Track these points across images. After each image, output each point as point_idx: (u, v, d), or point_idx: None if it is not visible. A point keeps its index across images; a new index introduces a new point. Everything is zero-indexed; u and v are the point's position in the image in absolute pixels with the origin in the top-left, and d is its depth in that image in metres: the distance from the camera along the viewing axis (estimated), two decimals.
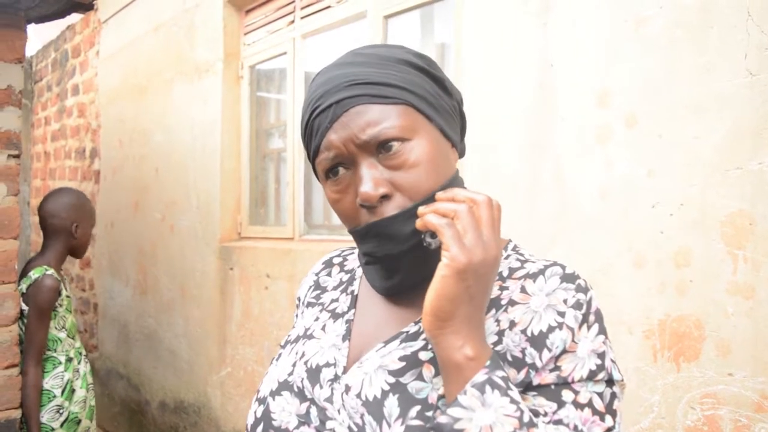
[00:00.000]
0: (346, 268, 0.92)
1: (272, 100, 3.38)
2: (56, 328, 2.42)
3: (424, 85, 0.76)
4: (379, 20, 2.47)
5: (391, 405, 0.69)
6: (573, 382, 0.67)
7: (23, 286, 2.38)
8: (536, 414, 0.66)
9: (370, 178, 0.71)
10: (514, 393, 0.63)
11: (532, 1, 1.80)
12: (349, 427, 0.71)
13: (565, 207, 1.71)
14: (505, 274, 0.77)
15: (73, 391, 2.44)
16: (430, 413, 0.67)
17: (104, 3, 4.31)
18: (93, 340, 4.63)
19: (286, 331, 2.70)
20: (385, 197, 0.71)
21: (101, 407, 4.37)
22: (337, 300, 0.87)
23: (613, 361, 0.70)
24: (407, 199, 0.71)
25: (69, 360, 2.45)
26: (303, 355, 0.81)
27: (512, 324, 0.71)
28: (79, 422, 2.46)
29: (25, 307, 2.35)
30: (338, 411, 0.73)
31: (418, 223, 0.68)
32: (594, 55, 1.66)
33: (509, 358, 0.69)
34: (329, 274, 0.93)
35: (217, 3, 3.24)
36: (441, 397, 0.68)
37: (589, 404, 0.67)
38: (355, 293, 0.86)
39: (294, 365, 0.80)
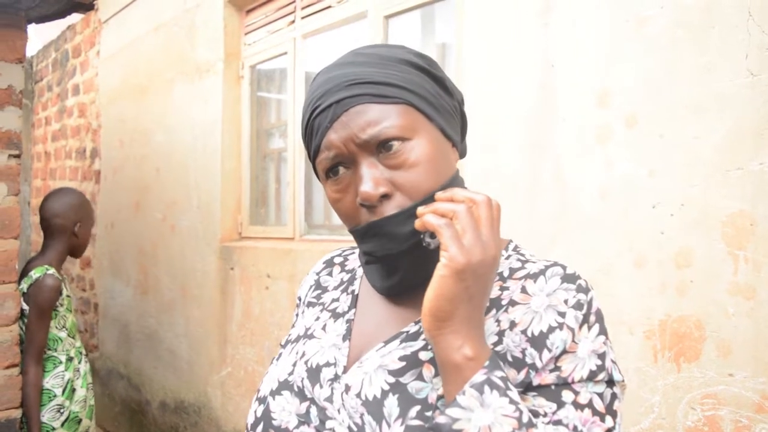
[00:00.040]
0: (347, 268, 0.92)
1: (273, 100, 3.38)
2: (57, 327, 2.42)
3: (424, 84, 0.76)
4: (380, 20, 2.47)
5: (391, 405, 0.68)
6: (573, 382, 0.67)
7: (24, 286, 2.38)
8: (536, 414, 0.66)
9: (370, 178, 0.71)
10: (513, 393, 0.63)
11: (533, 1, 1.80)
12: (349, 427, 0.71)
13: (565, 207, 1.71)
14: (506, 274, 0.77)
15: (73, 390, 2.45)
16: (429, 413, 0.67)
17: (105, 3, 4.32)
18: (94, 340, 4.63)
19: (286, 331, 2.70)
20: (385, 196, 0.71)
21: (102, 407, 4.38)
22: (337, 300, 0.87)
23: (613, 362, 0.70)
24: (407, 198, 0.71)
25: (69, 359, 2.46)
26: (303, 354, 0.81)
27: (512, 324, 0.71)
28: (79, 422, 2.46)
29: (25, 306, 2.36)
30: (338, 411, 0.73)
31: (417, 224, 0.68)
32: (595, 55, 1.65)
33: (509, 359, 0.69)
34: (330, 274, 0.93)
35: (218, 3, 3.24)
36: (440, 397, 0.68)
37: (590, 405, 0.67)
38: (356, 293, 0.86)
39: (294, 365, 0.80)
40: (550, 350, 0.68)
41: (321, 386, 0.76)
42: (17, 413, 2.27)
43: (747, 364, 1.36)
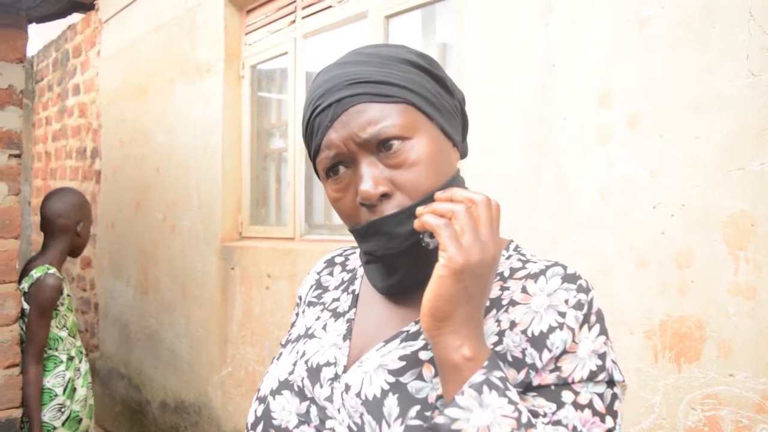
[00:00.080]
0: (347, 268, 0.92)
1: (273, 100, 3.38)
2: (57, 327, 2.42)
3: (425, 84, 0.75)
4: (380, 20, 2.47)
5: (391, 404, 0.68)
6: (573, 382, 0.67)
7: (25, 285, 2.38)
8: (535, 415, 0.66)
9: (370, 177, 0.71)
10: (512, 393, 0.63)
11: (534, 1, 1.80)
12: (349, 427, 0.71)
13: (566, 207, 1.71)
14: (507, 274, 0.77)
15: (74, 389, 2.45)
16: (429, 413, 0.67)
17: (105, 3, 4.32)
18: (94, 339, 4.63)
19: (286, 331, 2.70)
20: (385, 196, 0.71)
21: (102, 407, 4.38)
22: (338, 299, 0.87)
23: (614, 362, 0.70)
24: (407, 197, 0.71)
25: (70, 359, 2.46)
26: (304, 354, 0.81)
27: (513, 324, 0.71)
28: (80, 421, 2.46)
29: (26, 306, 2.36)
30: (338, 410, 0.73)
31: (416, 224, 0.67)
32: (596, 55, 1.65)
33: (509, 359, 0.69)
34: (331, 274, 0.93)
35: (218, 3, 3.24)
36: (440, 397, 0.67)
37: (590, 405, 0.66)
38: (356, 292, 0.86)
39: (295, 364, 0.80)
40: (550, 350, 0.68)
41: (321, 386, 0.76)
42: (18, 413, 2.27)
43: (747, 364, 1.36)
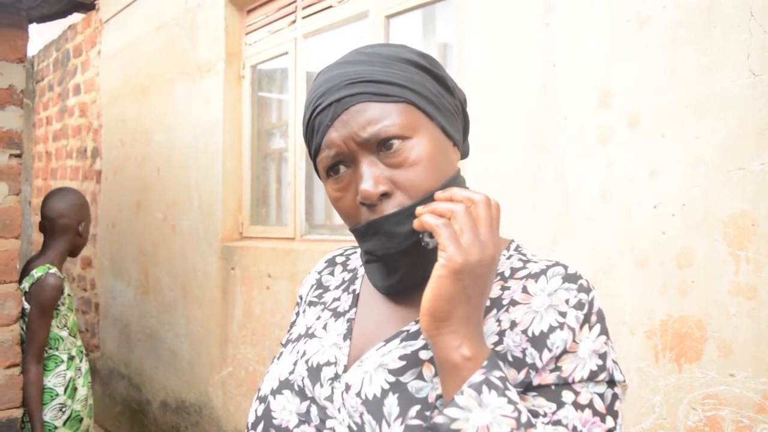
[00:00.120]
0: (348, 267, 0.92)
1: (274, 100, 3.38)
2: (58, 326, 2.42)
3: (425, 83, 0.75)
4: (381, 20, 2.47)
5: (391, 404, 0.68)
6: (573, 382, 0.67)
7: (25, 285, 2.38)
8: (535, 414, 0.66)
9: (371, 176, 0.71)
10: (512, 393, 0.63)
11: (535, 1, 1.80)
12: (349, 426, 0.71)
13: (566, 207, 1.71)
14: (507, 274, 0.76)
15: (75, 389, 2.45)
16: (429, 413, 0.67)
17: (106, 3, 4.32)
18: (94, 339, 4.63)
19: (287, 330, 2.70)
20: (385, 195, 0.71)
21: (103, 407, 4.38)
22: (338, 299, 0.87)
23: (614, 362, 0.70)
24: (407, 197, 0.71)
25: (71, 358, 2.46)
26: (304, 353, 0.81)
27: (513, 324, 0.71)
28: (81, 420, 2.46)
29: (26, 305, 2.36)
30: (338, 410, 0.73)
31: (416, 224, 0.67)
32: (596, 55, 1.65)
33: (510, 359, 0.69)
34: (332, 273, 0.93)
35: (219, 3, 3.24)
36: (440, 396, 0.67)
37: (590, 405, 0.66)
38: (357, 292, 0.86)
39: (295, 364, 0.80)
40: (550, 350, 0.68)
41: (321, 385, 0.76)
42: (18, 413, 2.27)
43: (748, 364, 1.35)
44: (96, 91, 4.55)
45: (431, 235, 0.70)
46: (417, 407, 0.67)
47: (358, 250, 0.94)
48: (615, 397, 0.68)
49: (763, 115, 1.35)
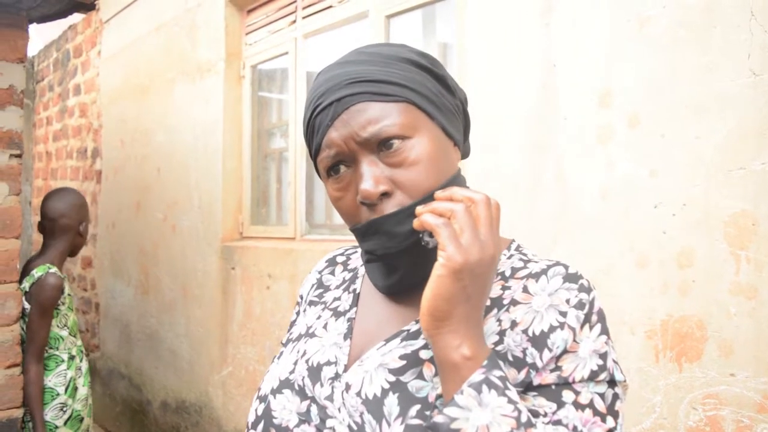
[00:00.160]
0: (349, 267, 0.92)
1: (274, 100, 3.38)
2: (58, 326, 2.43)
3: (426, 83, 0.75)
4: (381, 20, 2.47)
5: (391, 404, 0.68)
6: (574, 382, 0.67)
7: (26, 285, 2.38)
8: (536, 414, 0.66)
9: (371, 176, 0.71)
10: (512, 393, 0.62)
11: (535, 1, 1.80)
12: (349, 426, 0.71)
13: (566, 207, 1.71)
14: (508, 273, 0.76)
15: (75, 389, 2.45)
16: (430, 412, 0.67)
17: (106, 3, 4.32)
18: (95, 339, 4.63)
19: (287, 330, 2.70)
20: (385, 195, 0.71)
21: (103, 407, 4.38)
22: (339, 298, 0.87)
23: (615, 362, 0.70)
24: (407, 196, 0.71)
25: (71, 358, 2.46)
26: (304, 353, 0.81)
27: (514, 324, 0.71)
28: (81, 420, 2.47)
29: (26, 305, 2.36)
30: (338, 409, 0.73)
31: (415, 223, 0.67)
32: (596, 55, 1.65)
33: (510, 358, 0.69)
34: (332, 273, 0.93)
35: (219, 3, 3.24)
36: (439, 396, 0.67)
37: (590, 405, 0.66)
38: (358, 291, 0.86)
39: (295, 363, 0.80)
40: (550, 350, 0.68)
41: (322, 385, 0.76)
42: (19, 413, 2.27)
43: (749, 364, 1.35)
44: (96, 92, 4.55)
45: (431, 235, 0.70)
46: (417, 407, 0.67)
47: (359, 250, 0.94)
48: (616, 396, 0.68)
49: (764, 114, 1.35)
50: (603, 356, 0.68)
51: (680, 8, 1.48)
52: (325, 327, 0.84)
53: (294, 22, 2.96)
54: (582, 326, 0.69)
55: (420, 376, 0.70)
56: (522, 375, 0.68)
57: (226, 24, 3.23)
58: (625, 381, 0.70)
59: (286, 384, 0.79)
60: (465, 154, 0.84)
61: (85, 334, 4.72)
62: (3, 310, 2.25)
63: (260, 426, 0.77)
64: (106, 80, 4.42)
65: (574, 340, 0.68)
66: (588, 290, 0.71)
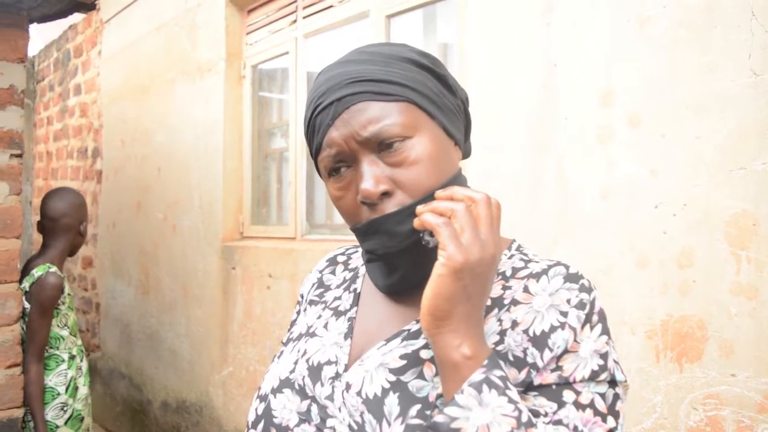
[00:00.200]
0: (350, 267, 0.92)
1: (274, 100, 3.38)
2: (58, 325, 2.43)
3: (427, 82, 0.75)
4: (382, 20, 2.47)
5: (392, 403, 0.68)
6: (575, 382, 0.67)
7: (26, 284, 2.38)
8: (536, 414, 0.66)
9: (371, 175, 0.71)
10: (513, 392, 0.62)
11: (535, 1, 1.80)
12: (350, 425, 0.71)
13: (567, 207, 1.71)
14: (509, 273, 0.76)
15: (76, 388, 2.45)
16: (430, 412, 0.66)
17: (106, 3, 4.32)
18: (95, 339, 4.63)
19: (287, 330, 2.70)
20: (385, 194, 0.71)
21: (103, 407, 4.38)
22: (340, 298, 0.87)
23: (616, 362, 0.70)
24: (408, 196, 0.71)
25: (72, 357, 2.46)
26: (305, 352, 0.81)
27: (514, 324, 0.71)
28: (82, 419, 2.47)
29: (26, 305, 2.36)
30: (339, 409, 0.73)
31: (416, 222, 0.67)
32: (597, 55, 1.65)
33: (510, 358, 0.69)
34: (333, 273, 0.93)
35: (219, 3, 3.24)
36: (440, 395, 0.67)
37: (591, 405, 0.66)
38: (358, 291, 0.86)
39: (296, 363, 0.80)
40: (551, 350, 0.68)
41: (322, 384, 0.76)
42: (19, 413, 2.27)
43: (749, 364, 1.35)
44: (96, 91, 4.55)
45: (432, 234, 0.70)
46: (417, 406, 0.67)
47: (360, 250, 0.94)
48: (616, 397, 0.68)
49: (765, 114, 1.34)
50: (604, 356, 0.68)
51: (681, 8, 1.48)
52: (325, 326, 0.84)
53: (294, 21, 2.96)
54: (583, 326, 0.69)
55: (420, 375, 0.70)
56: (522, 375, 0.68)
57: (227, 24, 3.23)
58: (625, 381, 0.70)
59: (286, 383, 0.78)
60: (466, 153, 0.84)
61: (86, 333, 4.72)
62: (3, 310, 2.25)
63: (260, 425, 0.77)
64: (106, 80, 4.42)
65: (575, 340, 0.68)
66: (589, 290, 0.71)
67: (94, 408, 3.82)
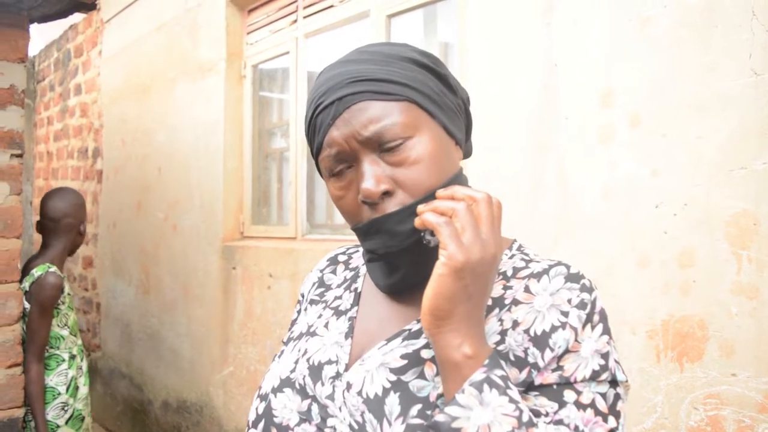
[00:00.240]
0: (350, 266, 0.92)
1: (275, 100, 3.38)
2: (59, 325, 2.43)
3: (427, 82, 0.75)
4: (382, 19, 2.47)
5: (392, 403, 0.68)
6: (575, 382, 0.67)
7: (26, 284, 2.38)
8: (537, 414, 0.66)
9: (372, 175, 0.71)
10: (513, 392, 0.62)
11: (536, 1, 1.80)
12: (350, 425, 0.71)
13: (568, 207, 1.71)
14: (510, 273, 0.76)
15: (77, 388, 2.45)
16: (431, 412, 0.66)
17: (107, 3, 4.32)
18: (96, 339, 4.63)
19: (288, 330, 2.70)
20: (386, 194, 0.71)
21: (104, 407, 4.38)
22: (340, 297, 0.87)
23: (617, 362, 0.70)
24: (408, 195, 0.71)
25: (72, 357, 2.46)
26: (305, 352, 0.81)
27: (515, 323, 0.71)
28: (83, 419, 2.47)
29: (27, 305, 2.36)
30: (339, 408, 0.73)
31: (417, 222, 0.67)
32: (597, 55, 1.65)
33: (511, 358, 0.69)
34: (334, 272, 0.93)
35: (220, 2, 3.24)
36: (441, 395, 0.67)
37: (592, 405, 0.66)
38: (359, 291, 0.86)
39: (296, 362, 0.80)
40: (552, 349, 0.68)
41: (323, 384, 0.76)
42: (20, 412, 2.27)
43: (750, 364, 1.35)
44: (97, 91, 4.55)
45: (432, 234, 0.70)
46: (418, 406, 0.67)
47: (360, 249, 0.94)
48: (617, 397, 0.68)
49: (765, 114, 1.34)
50: (605, 356, 0.68)
51: (681, 8, 1.48)
52: (326, 326, 0.84)
53: (295, 21, 2.96)
54: (584, 326, 0.69)
55: (421, 375, 0.70)
56: (523, 375, 0.68)
57: (227, 24, 3.23)
58: (626, 381, 0.70)
59: (286, 383, 0.78)
60: (467, 153, 0.84)
61: (86, 333, 4.72)
62: (4, 310, 2.25)
63: (261, 425, 0.77)
64: (107, 80, 4.42)
65: (576, 340, 0.68)
66: (590, 290, 0.71)
67: (94, 408, 3.82)
